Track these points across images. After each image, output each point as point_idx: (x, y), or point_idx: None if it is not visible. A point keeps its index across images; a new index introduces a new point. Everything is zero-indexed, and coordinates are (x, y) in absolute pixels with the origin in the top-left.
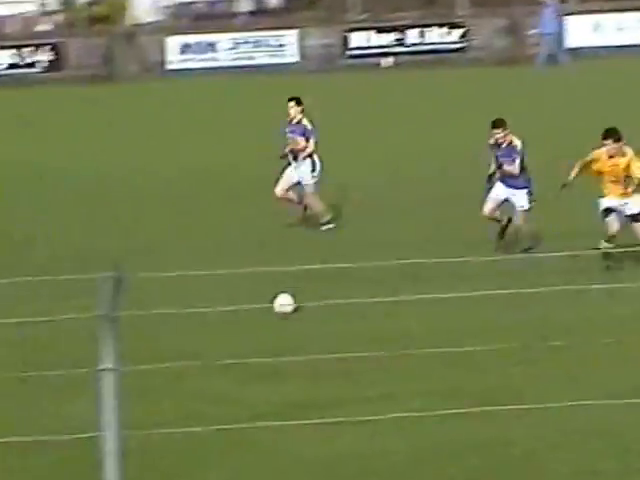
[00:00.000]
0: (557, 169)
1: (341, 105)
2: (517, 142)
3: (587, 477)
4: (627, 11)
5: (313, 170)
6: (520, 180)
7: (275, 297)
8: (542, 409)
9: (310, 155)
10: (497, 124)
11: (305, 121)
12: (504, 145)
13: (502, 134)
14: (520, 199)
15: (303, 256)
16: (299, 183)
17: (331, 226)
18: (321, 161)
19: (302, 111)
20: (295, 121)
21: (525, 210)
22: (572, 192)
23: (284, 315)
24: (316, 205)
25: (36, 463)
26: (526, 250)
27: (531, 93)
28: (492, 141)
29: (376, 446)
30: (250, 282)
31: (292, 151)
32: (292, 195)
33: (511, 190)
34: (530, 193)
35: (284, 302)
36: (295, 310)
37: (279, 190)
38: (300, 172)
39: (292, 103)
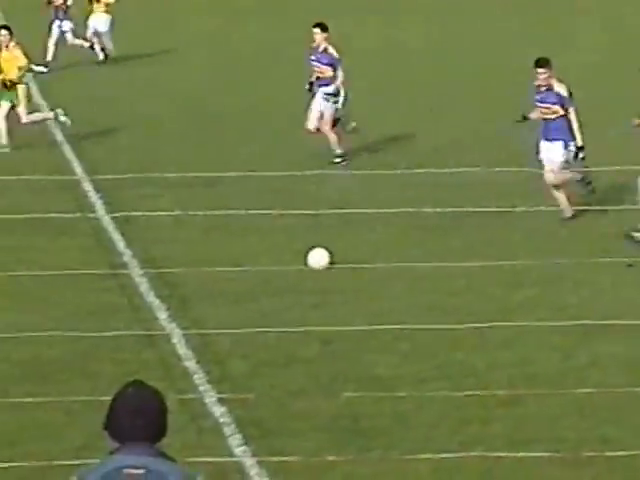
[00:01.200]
0: None
1: None
2: (560, 88)
3: None
4: None
5: (336, 102)
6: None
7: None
8: None
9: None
10: (541, 63)
11: (331, 49)
12: (543, 89)
13: (544, 75)
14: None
15: None
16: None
17: (343, 163)
18: (346, 92)
19: (327, 38)
20: (321, 49)
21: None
22: None
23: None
24: (332, 137)
25: None
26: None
27: None
28: (537, 82)
29: None
30: None
31: (318, 79)
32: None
33: (547, 144)
34: (567, 146)
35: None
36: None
37: (311, 124)
38: (326, 104)
39: (317, 29)
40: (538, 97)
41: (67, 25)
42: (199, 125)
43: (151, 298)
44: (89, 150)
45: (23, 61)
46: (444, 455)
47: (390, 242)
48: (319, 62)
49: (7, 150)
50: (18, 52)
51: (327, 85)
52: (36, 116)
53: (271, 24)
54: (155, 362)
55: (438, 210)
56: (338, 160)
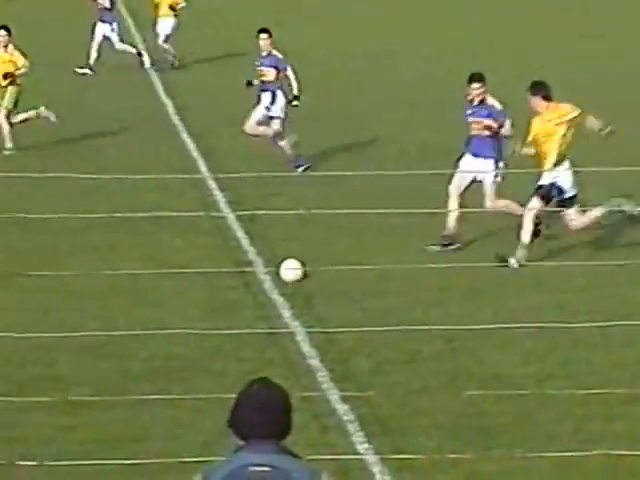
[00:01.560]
0: None
1: None
2: (494, 102)
3: None
4: None
5: (273, 102)
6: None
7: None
8: None
9: (279, 88)
10: (475, 78)
11: (275, 52)
12: (475, 103)
13: (479, 90)
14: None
15: None
16: (272, 118)
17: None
18: (286, 95)
19: (272, 43)
20: (265, 53)
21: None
22: None
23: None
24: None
25: None
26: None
27: None
28: (469, 97)
29: None
30: None
31: (262, 83)
32: (265, 131)
33: (475, 160)
34: (497, 166)
35: (291, 267)
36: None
37: (249, 126)
38: (276, 107)
39: (264, 35)
40: (469, 111)
41: (113, 27)
42: (327, 123)
43: (275, 296)
44: (214, 149)
45: (22, 60)
46: (566, 453)
47: (511, 241)
48: (262, 65)
49: (13, 152)
50: (17, 52)
51: (267, 90)
52: (17, 119)
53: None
54: (279, 360)
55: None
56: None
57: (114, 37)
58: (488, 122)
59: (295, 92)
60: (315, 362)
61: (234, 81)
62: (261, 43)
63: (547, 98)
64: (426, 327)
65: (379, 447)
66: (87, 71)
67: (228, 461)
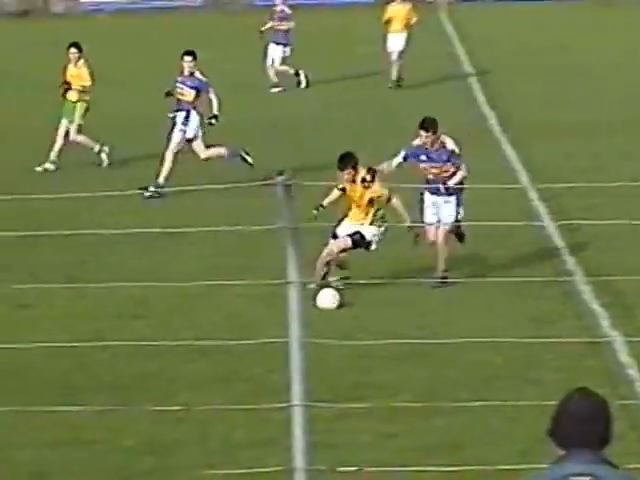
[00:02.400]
0: None
1: None
2: (451, 144)
3: None
4: None
5: (185, 122)
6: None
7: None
8: None
9: (194, 108)
10: (426, 125)
11: (198, 74)
12: (434, 148)
13: (432, 138)
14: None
15: None
16: (190, 141)
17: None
18: (200, 114)
19: (196, 65)
20: (187, 73)
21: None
22: None
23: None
24: (167, 165)
25: None
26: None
27: None
28: (417, 141)
29: None
30: None
31: (178, 102)
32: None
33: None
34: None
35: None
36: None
37: (169, 153)
38: (190, 128)
39: (189, 58)
40: (424, 157)
41: (285, 50)
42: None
43: (594, 306)
44: (535, 158)
45: (87, 81)
46: None
47: None
48: (183, 84)
49: (53, 167)
50: (85, 71)
51: (182, 109)
52: (82, 139)
53: None
54: (597, 369)
55: None
56: (151, 191)
57: (278, 59)
58: (448, 166)
59: (215, 111)
60: (633, 372)
61: (554, 90)
62: (184, 65)
63: (355, 167)
64: None
65: None
66: (276, 89)
67: (550, 470)
